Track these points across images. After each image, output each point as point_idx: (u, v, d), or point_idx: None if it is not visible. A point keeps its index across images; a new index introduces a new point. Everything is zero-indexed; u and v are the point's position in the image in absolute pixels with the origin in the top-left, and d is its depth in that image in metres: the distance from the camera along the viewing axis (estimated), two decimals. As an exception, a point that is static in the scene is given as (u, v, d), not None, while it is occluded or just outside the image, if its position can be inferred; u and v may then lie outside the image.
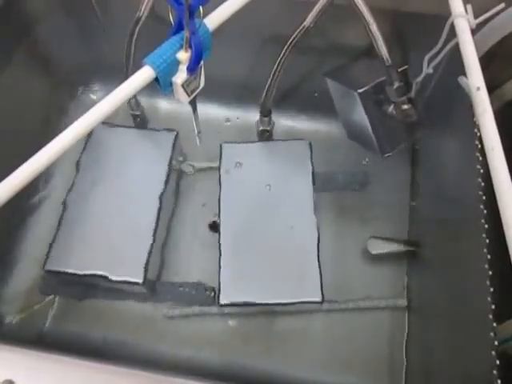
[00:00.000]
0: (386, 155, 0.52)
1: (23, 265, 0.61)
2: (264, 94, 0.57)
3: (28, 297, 0.59)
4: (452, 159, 0.52)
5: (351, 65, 0.56)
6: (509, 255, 0.31)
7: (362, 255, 0.61)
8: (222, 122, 0.70)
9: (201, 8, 0.36)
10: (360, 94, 0.51)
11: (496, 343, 0.35)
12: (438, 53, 0.44)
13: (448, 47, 0.42)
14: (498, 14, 0.44)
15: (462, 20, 0.41)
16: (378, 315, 0.57)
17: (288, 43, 0.51)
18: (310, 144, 0.63)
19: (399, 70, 0.48)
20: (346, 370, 0.55)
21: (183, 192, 0.66)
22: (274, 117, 0.63)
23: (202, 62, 0.39)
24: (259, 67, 0.55)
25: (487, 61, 0.48)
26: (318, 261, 0.56)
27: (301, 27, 0.49)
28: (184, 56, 0.37)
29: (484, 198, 0.40)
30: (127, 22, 0.50)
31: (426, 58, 0.45)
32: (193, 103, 0.44)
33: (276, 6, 0.54)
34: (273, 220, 0.59)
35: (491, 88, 0.51)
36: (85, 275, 0.55)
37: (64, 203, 0.59)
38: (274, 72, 0.53)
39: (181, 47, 0.37)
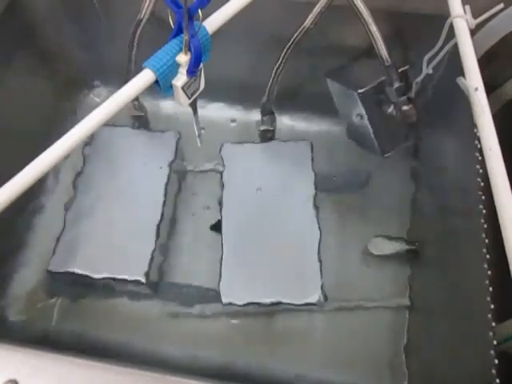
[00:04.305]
0: (387, 155, 0.53)
1: (28, 265, 0.61)
2: (265, 94, 0.57)
3: (32, 297, 0.59)
4: (452, 159, 0.52)
5: (351, 65, 0.56)
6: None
7: (363, 255, 0.61)
8: (223, 123, 0.70)
9: (200, 11, 0.37)
10: (360, 94, 0.51)
11: (495, 343, 0.35)
12: (438, 53, 0.44)
13: (446, 48, 0.42)
14: (497, 14, 0.44)
15: (461, 21, 0.41)
16: (379, 315, 0.57)
17: (288, 44, 0.51)
18: (311, 144, 0.64)
19: (399, 70, 0.48)
20: (348, 369, 0.55)
21: (185, 193, 0.66)
22: (275, 117, 0.63)
23: (201, 65, 0.40)
24: (260, 68, 0.55)
25: (487, 61, 0.48)
26: (320, 261, 0.56)
27: (301, 28, 0.49)
28: (184, 59, 0.37)
29: (483, 197, 0.40)
30: (129, 24, 0.51)
31: (426, 58, 0.45)
32: (193, 105, 0.45)
33: (276, 8, 0.55)
34: (274, 220, 0.59)
35: (491, 88, 0.52)
36: (88, 275, 0.55)
37: (67, 204, 0.60)
38: (275, 73, 0.54)
39: (180, 50, 0.37)
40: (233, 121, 0.71)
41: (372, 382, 0.54)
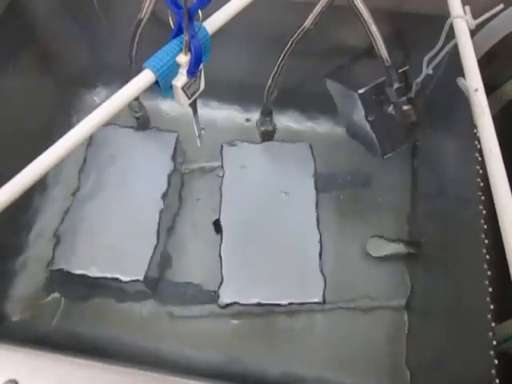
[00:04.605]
0: (387, 156, 0.53)
1: (28, 265, 0.61)
2: (265, 94, 0.57)
3: (32, 297, 0.59)
4: (452, 159, 0.52)
5: (351, 65, 0.56)
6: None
7: (362, 255, 0.61)
8: (223, 123, 0.71)
9: (200, 11, 0.37)
10: (360, 94, 0.51)
11: (494, 343, 0.35)
12: (438, 54, 0.44)
13: (446, 48, 0.42)
14: (497, 14, 0.44)
15: (461, 21, 0.41)
16: (378, 315, 0.57)
17: (288, 44, 0.51)
18: (311, 146, 0.64)
19: (399, 70, 0.48)
20: (347, 370, 0.55)
21: (185, 193, 0.66)
22: (275, 117, 0.63)
23: (201, 65, 0.40)
24: (260, 69, 0.55)
25: (487, 61, 0.48)
26: (320, 260, 0.56)
27: (301, 28, 0.49)
28: (184, 59, 0.37)
29: (483, 198, 0.40)
30: (129, 24, 0.51)
31: (426, 58, 0.45)
32: (193, 106, 0.45)
33: (276, 8, 0.55)
34: (274, 220, 0.59)
35: (491, 88, 0.52)
36: (88, 275, 0.55)
37: (67, 204, 0.60)
38: (275, 73, 0.54)
39: (180, 50, 0.37)
40: (233, 121, 0.71)
41: (372, 382, 0.54)
